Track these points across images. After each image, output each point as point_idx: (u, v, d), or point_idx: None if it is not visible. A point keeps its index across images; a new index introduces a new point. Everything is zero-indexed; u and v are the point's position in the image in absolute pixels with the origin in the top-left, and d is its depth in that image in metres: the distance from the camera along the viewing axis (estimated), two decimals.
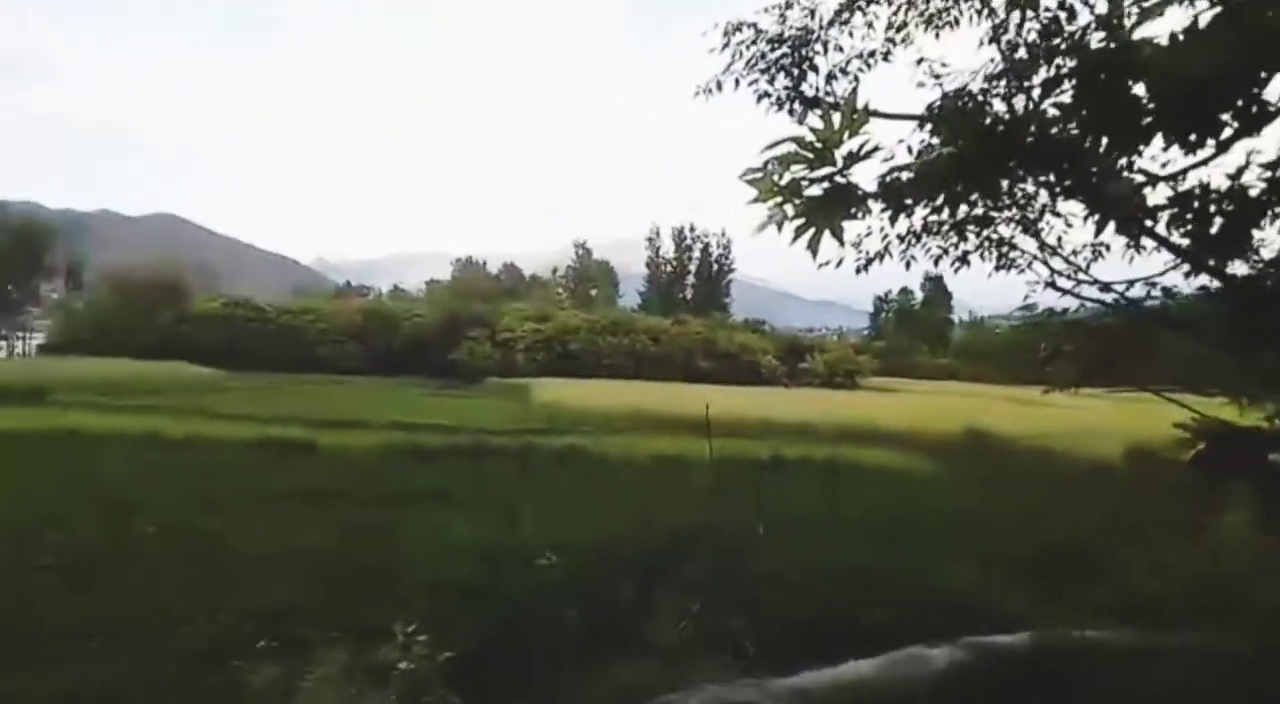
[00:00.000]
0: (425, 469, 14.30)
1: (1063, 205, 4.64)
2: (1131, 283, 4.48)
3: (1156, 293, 4.38)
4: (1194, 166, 3.70)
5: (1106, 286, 4.60)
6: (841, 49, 6.83)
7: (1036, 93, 4.26)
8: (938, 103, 4.79)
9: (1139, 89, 3.46)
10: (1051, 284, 4.82)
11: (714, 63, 6.88)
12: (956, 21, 6.58)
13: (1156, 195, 3.99)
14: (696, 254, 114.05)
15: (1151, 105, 3.40)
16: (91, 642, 5.65)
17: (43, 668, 5.24)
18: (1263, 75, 3.27)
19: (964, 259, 5.24)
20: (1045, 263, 4.95)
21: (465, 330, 60.86)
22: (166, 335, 57.75)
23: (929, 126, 4.65)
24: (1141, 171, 4.00)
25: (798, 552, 8.70)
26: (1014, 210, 4.81)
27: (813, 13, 6.86)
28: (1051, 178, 4.16)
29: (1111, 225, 4.24)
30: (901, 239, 5.02)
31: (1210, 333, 4.35)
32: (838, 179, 3.63)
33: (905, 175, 4.05)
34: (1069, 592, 9.03)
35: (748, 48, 6.76)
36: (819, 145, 3.56)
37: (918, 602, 7.56)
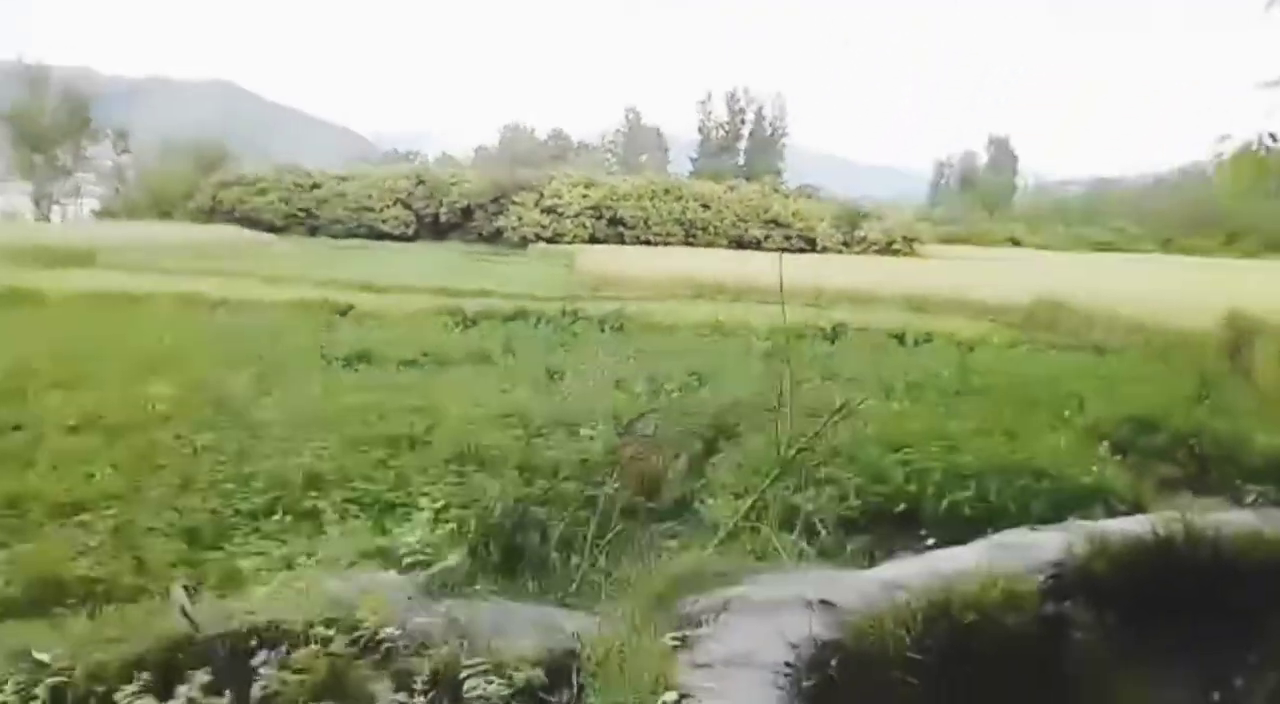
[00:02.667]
0: (466, 333, 13.61)
1: None
2: None
3: None
4: None
5: None
6: None
7: None
8: None
9: None
10: None
11: None
12: None
13: None
14: (750, 118, 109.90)
15: None
16: (81, 514, 5.05)
17: (23, 539, 4.66)
18: None
19: None
20: None
21: (512, 196, 59.62)
22: (217, 200, 57.60)
23: None
24: None
25: (872, 427, 7.84)
26: None
27: None
28: None
29: None
30: None
31: None
32: None
33: None
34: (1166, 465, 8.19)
35: None
36: None
37: (1011, 478, 6.72)
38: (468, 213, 61.42)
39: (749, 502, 5.83)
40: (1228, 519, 5.06)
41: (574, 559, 5.03)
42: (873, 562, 5.54)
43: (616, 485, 6.02)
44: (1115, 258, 55.33)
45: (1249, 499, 6.69)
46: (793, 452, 5.40)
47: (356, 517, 5.32)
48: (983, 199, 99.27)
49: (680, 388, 9.73)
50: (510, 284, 24.65)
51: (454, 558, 4.34)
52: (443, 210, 61.53)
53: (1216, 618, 4.35)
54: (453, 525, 5.02)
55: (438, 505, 5.19)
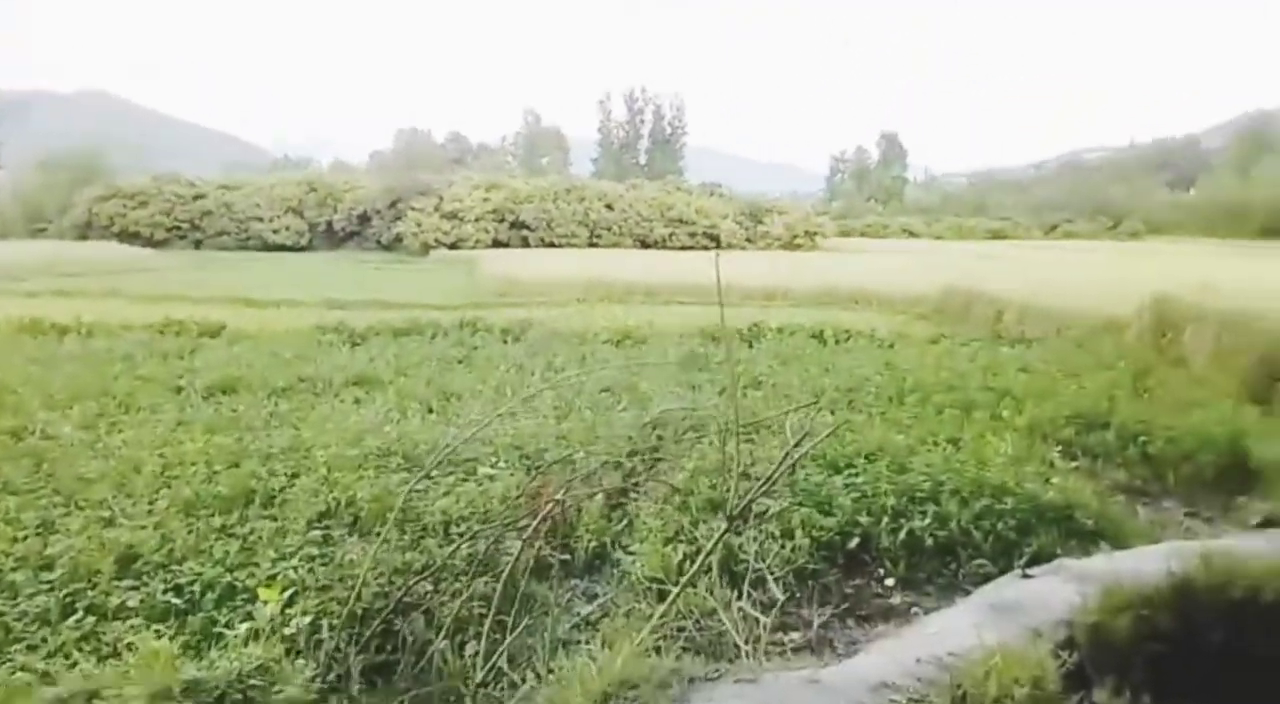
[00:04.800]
0: (352, 352, 12.28)
1: None
2: None
3: None
4: None
5: None
6: None
7: None
8: None
9: None
10: None
11: None
12: None
13: None
14: (649, 118, 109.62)
15: None
16: None
17: None
18: None
19: None
20: None
21: (410, 202, 57.47)
22: (94, 215, 53.92)
23: None
24: None
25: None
26: None
27: None
28: None
29: None
30: None
31: None
32: None
33: None
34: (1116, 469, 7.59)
35: None
36: None
37: (970, 499, 5.93)
38: (364, 220, 59.03)
39: (681, 552, 4.87)
40: (1242, 547, 4.32)
41: (469, 649, 3.97)
42: (839, 618, 4.69)
43: (522, 540, 4.97)
44: (1009, 245, 56.69)
45: (1253, 520, 6.03)
46: (739, 498, 4.42)
47: (177, 615, 4.12)
48: (877, 193, 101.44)
49: (592, 407, 8.71)
50: (407, 294, 23.22)
51: (299, 679, 3.22)
52: (337, 218, 58.96)
53: (1259, 676, 3.57)
54: (307, 619, 3.89)
55: (288, 592, 4.03)
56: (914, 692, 2.94)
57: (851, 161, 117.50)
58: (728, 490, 5.03)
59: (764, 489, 4.46)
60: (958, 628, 3.53)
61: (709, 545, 4.20)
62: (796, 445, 4.41)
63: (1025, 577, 4.40)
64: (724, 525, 5.02)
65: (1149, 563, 4.17)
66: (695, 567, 4.05)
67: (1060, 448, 7.68)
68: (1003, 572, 5.02)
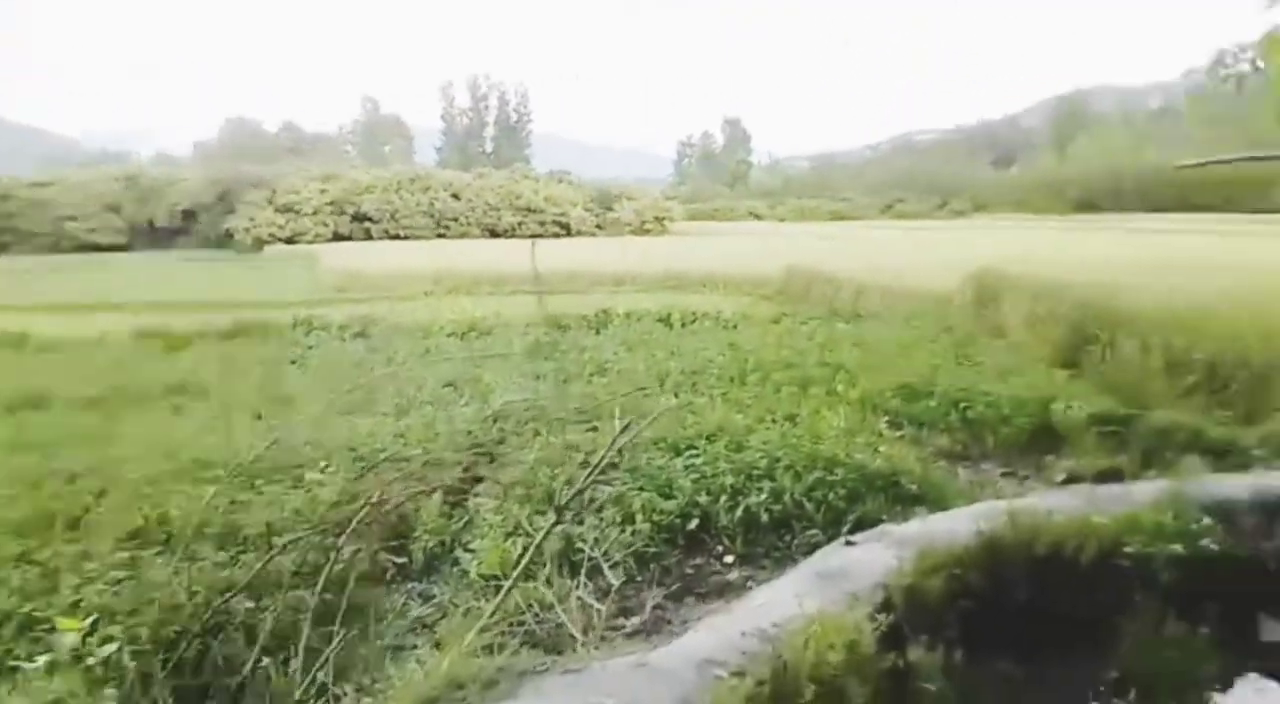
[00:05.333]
0: (174, 358, 11.56)
1: None
2: None
3: None
4: None
5: None
6: None
7: None
8: None
9: None
10: None
11: None
12: None
13: None
14: (494, 105, 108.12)
15: None
16: None
17: None
18: None
19: None
20: None
21: (241, 195, 54.61)
22: None
23: None
24: None
25: (652, 427, 7.02)
26: None
27: None
28: None
29: None
30: None
31: None
32: None
33: None
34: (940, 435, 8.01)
35: None
36: None
37: (803, 473, 6.12)
38: (190, 216, 55.80)
39: (520, 546, 4.81)
40: (1048, 505, 4.63)
41: (292, 664, 3.79)
42: (676, 597, 4.74)
43: (355, 546, 4.79)
44: (848, 225, 59.12)
45: (1058, 478, 6.46)
46: (567, 487, 4.39)
47: None
48: (724, 177, 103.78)
49: (434, 402, 8.51)
50: (238, 293, 22.06)
51: None
52: (160, 215, 55.46)
53: (1063, 631, 3.83)
54: (113, 646, 3.62)
55: (91, 620, 3.74)
56: (737, 665, 3.00)
57: (697, 147, 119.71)
58: (567, 481, 5.00)
59: (591, 479, 4.44)
60: (782, 599, 3.63)
61: (538, 538, 4.15)
62: (623, 433, 4.42)
63: (849, 544, 4.57)
64: (568, 516, 5.01)
65: (962, 524, 4.41)
66: (524, 560, 4.01)
67: (888, 418, 8.03)
68: (832, 540, 5.20)
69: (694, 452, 6.64)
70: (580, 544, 4.90)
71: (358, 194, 54.98)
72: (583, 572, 4.51)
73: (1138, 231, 34.20)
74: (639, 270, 25.59)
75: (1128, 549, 4.33)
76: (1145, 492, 5.07)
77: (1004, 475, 7.09)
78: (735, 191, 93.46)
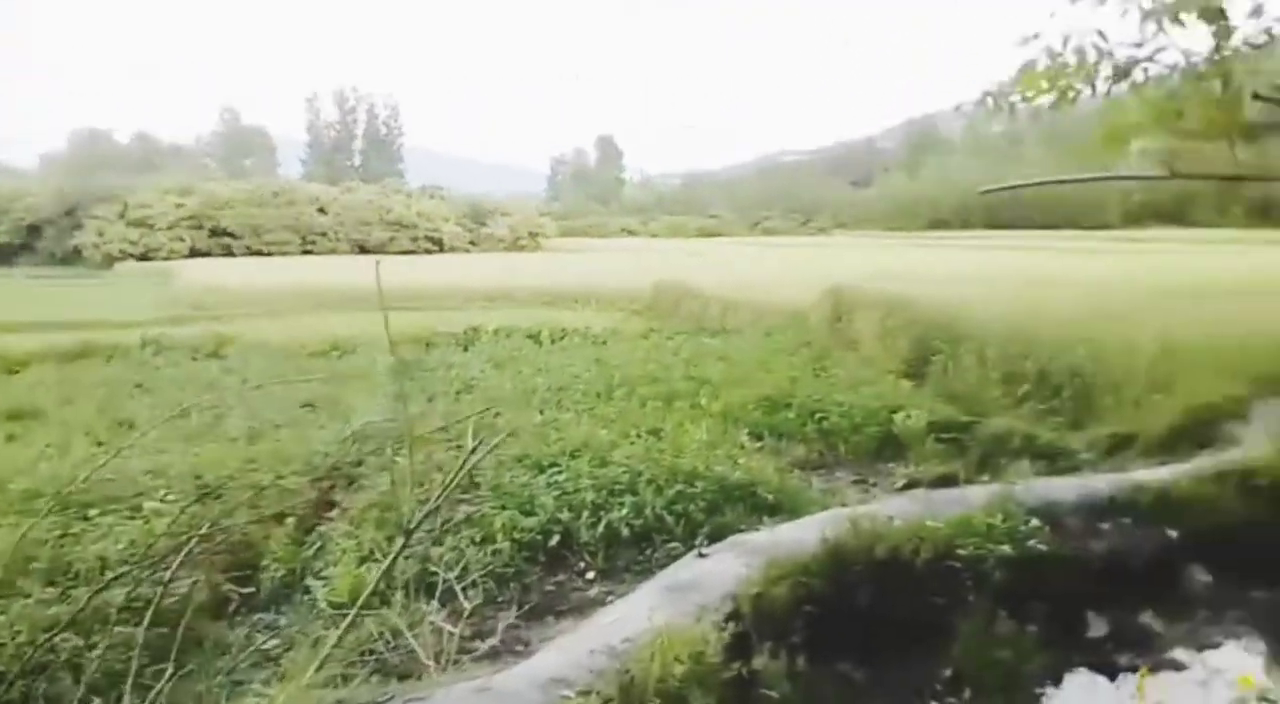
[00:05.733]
0: (10, 380, 10.79)
1: None
2: None
3: None
4: None
5: None
6: None
7: None
8: None
9: None
10: None
11: None
12: None
13: None
14: (362, 118, 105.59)
15: None
16: None
17: None
18: None
19: None
20: None
21: (90, 209, 51.43)
22: None
23: None
24: None
25: (516, 445, 7.01)
26: None
27: None
28: None
29: None
30: None
31: None
32: None
33: None
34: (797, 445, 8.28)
35: None
36: None
37: (664, 486, 6.21)
38: (35, 231, 52.21)
39: (375, 572, 4.71)
40: (889, 510, 4.86)
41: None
42: (536, 616, 4.74)
43: (192, 577, 4.58)
44: (717, 242, 60.43)
45: (897, 484, 6.76)
46: (417, 509, 4.33)
47: None
48: (597, 193, 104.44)
49: (290, 424, 8.23)
50: (84, 312, 20.73)
51: None
52: (2, 230, 51.69)
53: (902, 633, 4.02)
54: None
55: None
56: (584, 684, 3.02)
57: (571, 163, 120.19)
58: (423, 502, 4.92)
59: (442, 499, 4.39)
60: (633, 614, 3.68)
61: (385, 563, 4.08)
62: (473, 452, 4.40)
63: (701, 556, 4.67)
64: (425, 538, 4.94)
65: (808, 532, 4.57)
66: (372, 586, 3.93)
67: (749, 430, 8.25)
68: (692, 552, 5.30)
69: (557, 468, 6.67)
70: (436, 567, 4.83)
71: (217, 208, 52.66)
72: (436, 595, 4.45)
73: (982, 248, 36.22)
74: (512, 286, 25.46)
75: (961, 551, 4.60)
76: (978, 495, 5.39)
77: (855, 483, 7.39)
78: (609, 208, 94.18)
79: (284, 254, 49.56)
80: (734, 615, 3.77)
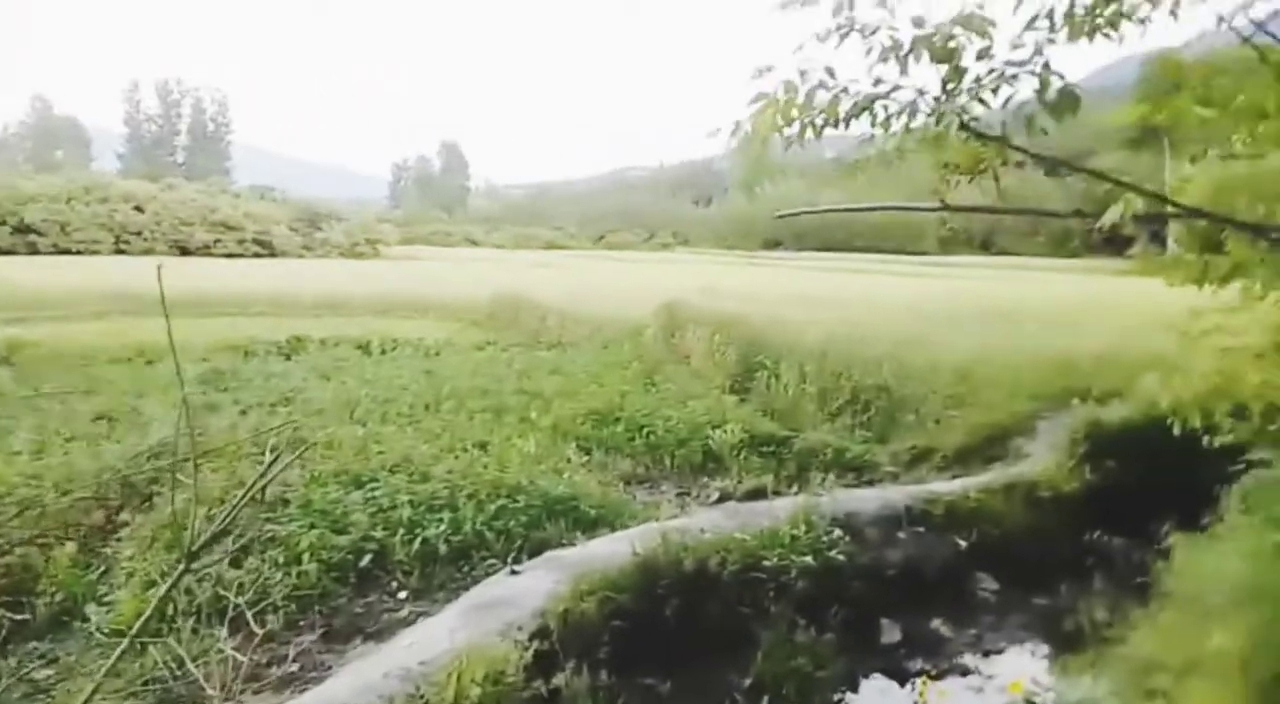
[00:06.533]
0: None
1: None
2: None
3: None
4: None
5: None
6: None
7: None
8: None
9: None
10: None
11: None
12: None
13: None
14: (187, 112, 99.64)
15: None
16: None
17: None
18: None
19: None
20: None
21: None
22: None
23: None
24: None
25: (331, 461, 6.76)
26: None
27: None
28: None
29: None
30: None
31: None
32: None
33: None
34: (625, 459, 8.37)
35: None
36: None
37: (486, 501, 6.13)
38: None
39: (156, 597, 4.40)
40: (701, 523, 4.97)
41: None
42: (343, 639, 4.56)
43: None
44: (562, 254, 60.52)
45: (712, 498, 6.93)
46: (204, 529, 4.07)
47: None
48: (441, 201, 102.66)
49: (83, 438, 7.62)
50: None
51: None
52: None
53: (707, 643, 4.11)
54: None
55: None
56: None
57: (414, 169, 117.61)
58: (219, 520, 4.64)
59: (231, 518, 4.17)
60: (434, 635, 3.61)
61: (163, 587, 3.83)
62: (269, 467, 4.19)
63: (514, 573, 4.63)
64: (220, 560, 4.68)
65: (621, 546, 4.61)
66: (149, 612, 3.68)
67: (578, 443, 8.28)
68: None
69: (375, 484, 6.46)
70: (222, 592, 4.57)
71: (20, 203, 48.25)
72: (226, 621, 4.21)
73: (813, 269, 37.88)
74: (346, 295, 24.57)
75: (766, 562, 4.76)
76: (785, 507, 5.60)
77: (679, 495, 7.53)
78: (453, 217, 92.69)
79: (94, 253, 45.96)
80: (541, 633, 3.75)
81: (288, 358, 13.09)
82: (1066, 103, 2.58)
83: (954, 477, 7.01)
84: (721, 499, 6.72)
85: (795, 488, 6.81)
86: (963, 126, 2.52)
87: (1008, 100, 2.60)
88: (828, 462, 7.73)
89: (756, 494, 6.69)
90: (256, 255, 49.12)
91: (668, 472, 8.20)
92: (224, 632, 4.08)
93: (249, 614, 3.93)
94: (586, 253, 64.28)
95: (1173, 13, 2.95)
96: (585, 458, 7.97)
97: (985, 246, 56.31)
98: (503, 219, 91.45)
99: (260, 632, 4.02)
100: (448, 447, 7.59)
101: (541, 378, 11.13)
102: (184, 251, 48.91)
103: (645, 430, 8.74)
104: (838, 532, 5.34)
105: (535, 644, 3.59)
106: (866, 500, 6.06)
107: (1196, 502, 4.75)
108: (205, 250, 49.23)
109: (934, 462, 7.63)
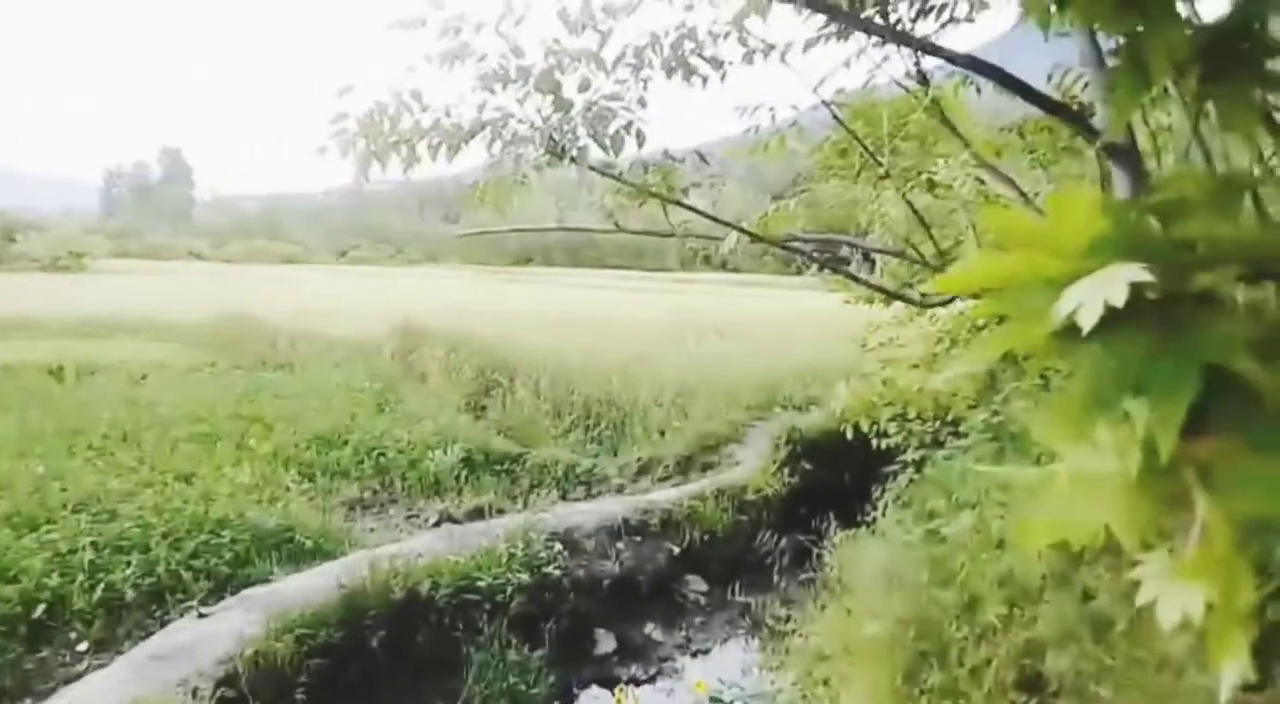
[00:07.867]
0: None
1: None
2: None
3: None
4: None
5: None
6: None
7: None
8: None
9: None
10: None
11: None
12: None
13: None
14: None
15: None
16: None
17: None
18: None
19: None
20: None
21: None
22: None
23: None
24: None
25: None
26: None
27: None
28: None
29: None
30: None
31: None
32: None
33: None
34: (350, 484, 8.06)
35: None
36: None
37: (184, 539, 5.65)
38: None
39: None
40: (412, 548, 4.86)
41: None
42: (13, 698, 4.04)
43: None
44: (300, 270, 57.33)
45: (432, 520, 6.79)
46: None
47: None
48: (160, 211, 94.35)
49: None
50: None
51: None
52: None
53: (417, 668, 4.02)
54: None
55: None
56: None
57: (130, 177, 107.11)
58: None
59: None
60: (100, 692, 3.28)
61: None
62: None
63: (201, 616, 4.32)
64: None
65: (324, 579, 4.42)
66: None
67: (299, 470, 7.86)
68: None
69: (51, 526, 5.79)
70: None
71: None
72: None
73: (559, 285, 38.44)
74: (43, 314, 21.85)
75: (480, 583, 4.74)
76: (505, 526, 5.62)
77: (408, 519, 7.34)
78: (176, 229, 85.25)
79: None
80: (228, 680, 3.50)
81: None
82: (616, 142, 2.78)
83: (674, 485, 7.34)
84: (441, 521, 6.61)
85: (523, 505, 6.85)
86: (572, 159, 2.65)
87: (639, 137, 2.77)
88: (559, 477, 7.84)
89: (478, 514, 6.65)
90: None
91: (398, 494, 7.98)
92: None
93: None
94: (327, 268, 61.38)
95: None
96: (307, 485, 7.58)
97: (723, 265, 59.68)
98: (233, 232, 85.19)
99: None
100: (145, 481, 6.94)
101: (264, 401, 10.45)
102: None
103: (375, 453, 8.47)
104: (557, 546, 5.43)
105: (221, 692, 3.35)
106: (588, 514, 6.20)
107: (869, 499, 5.28)
108: None
109: (658, 472, 7.96)
